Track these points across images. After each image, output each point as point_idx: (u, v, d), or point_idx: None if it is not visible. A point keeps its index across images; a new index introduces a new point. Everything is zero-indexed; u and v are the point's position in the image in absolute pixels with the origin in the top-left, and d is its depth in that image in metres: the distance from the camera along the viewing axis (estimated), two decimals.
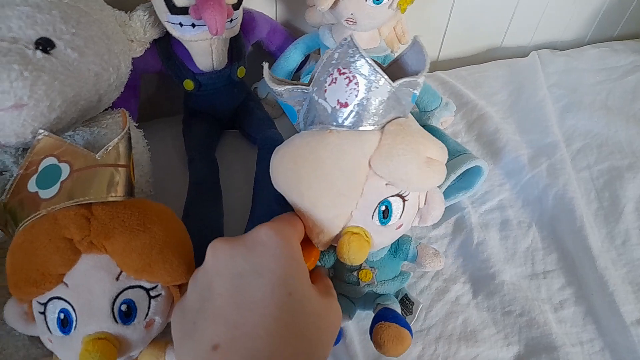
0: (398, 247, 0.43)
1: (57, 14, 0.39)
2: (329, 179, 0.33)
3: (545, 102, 0.72)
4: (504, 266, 0.52)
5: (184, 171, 0.54)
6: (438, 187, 0.38)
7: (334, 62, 0.33)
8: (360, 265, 0.42)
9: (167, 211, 0.37)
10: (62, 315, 0.32)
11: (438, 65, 0.84)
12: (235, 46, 0.56)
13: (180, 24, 0.49)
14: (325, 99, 0.34)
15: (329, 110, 0.33)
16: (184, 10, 0.48)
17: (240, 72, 0.57)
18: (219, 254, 0.31)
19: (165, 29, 0.51)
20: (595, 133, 0.69)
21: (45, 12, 0.38)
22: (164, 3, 0.47)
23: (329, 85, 0.33)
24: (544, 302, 0.50)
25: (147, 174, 0.47)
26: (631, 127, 0.69)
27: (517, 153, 0.64)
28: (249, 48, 0.61)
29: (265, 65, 0.37)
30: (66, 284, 0.32)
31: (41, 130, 0.35)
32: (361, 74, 0.32)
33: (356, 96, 0.33)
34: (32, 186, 0.34)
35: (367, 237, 0.35)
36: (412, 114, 0.38)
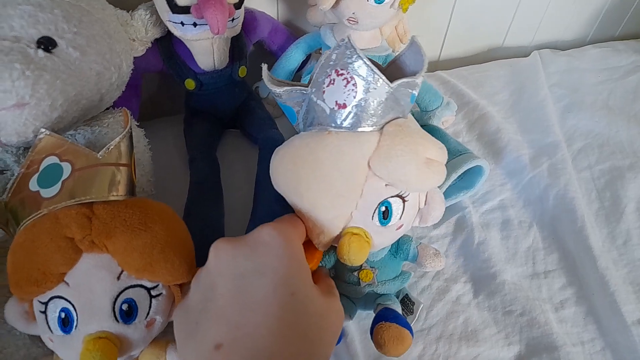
0: (398, 247, 0.43)
1: (59, 13, 0.39)
2: (328, 180, 0.33)
3: (546, 102, 0.72)
4: (505, 266, 0.52)
5: (185, 170, 0.54)
6: (439, 186, 0.38)
7: (331, 63, 0.33)
8: (361, 265, 0.42)
9: (169, 210, 0.37)
10: (63, 315, 0.32)
11: (439, 65, 0.84)
12: (236, 45, 0.56)
13: (182, 23, 0.49)
14: (323, 100, 0.34)
15: (328, 111, 0.33)
16: (185, 10, 0.48)
17: (242, 71, 0.57)
18: (222, 254, 0.31)
19: (167, 28, 0.51)
20: (596, 133, 0.69)
21: (47, 11, 0.38)
22: (165, 2, 0.47)
23: (327, 86, 0.33)
24: (544, 302, 0.50)
25: (148, 173, 0.47)
26: (632, 127, 0.69)
27: (518, 153, 0.63)
28: (251, 47, 0.61)
29: (264, 66, 0.37)
30: (67, 283, 0.32)
31: (43, 129, 0.35)
32: (359, 75, 0.32)
33: (354, 97, 0.33)
34: (33, 185, 0.34)
35: (367, 237, 0.35)
36: (413, 114, 0.38)
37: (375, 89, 0.33)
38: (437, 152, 0.34)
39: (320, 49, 0.62)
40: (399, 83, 0.33)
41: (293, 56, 0.62)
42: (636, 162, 0.64)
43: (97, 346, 0.31)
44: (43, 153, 0.35)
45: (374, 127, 0.33)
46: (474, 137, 0.67)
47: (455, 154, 0.53)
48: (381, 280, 0.42)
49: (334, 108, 0.33)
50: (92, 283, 0.32)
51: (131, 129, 0.38)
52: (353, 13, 0.52)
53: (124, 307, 0.33)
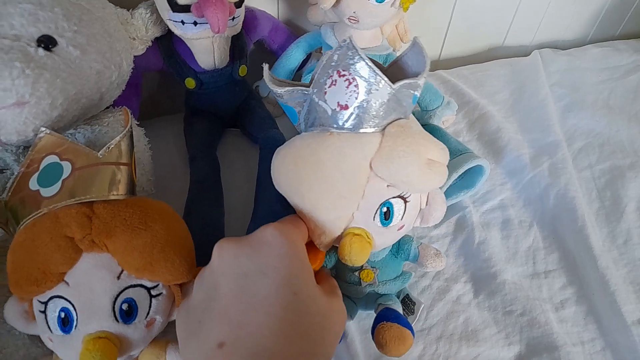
0: (399, 248, 0.43)
1: (60, 11, 0.39)
2: (329, 181, 0.33)
3: (547, 102, 0.71)
4: (505, 266, 0.52)
5: (185, 170, 0.54)
6: (440, 186, 0.38)
7: (333, 63, 0.33)
8: (362, 265, 0.42)
9: (169, 210, 0.37)
10: (62, 314, 0.32)
11: (440, 64, 0.84)
12: (237, 44, 0.56)
13: (182, 22, 0.49)
14: (325, 101, 0.33)
15: (329, 112, 0.33)
16: (186, 8, 0.48)
17: (242, 70, 0.57)
18: (225, 253, 0.31)
19: (167, 27, 0.51)
20: (597, 132, 0.69)
21: (48, 10, 0.38)
22: (165, 1, 0.47)
23: (329, 87, 0.33)
24: (545, 302, 0.50)
25: (149, 172, 0.47)
26: (633, 127, 0.69)
27: (518, 152, 0.63)
28: (251, 46, 0.61)
29: (266, 66, 0.37)
30: (67, 283, 0.32)
31: (43, 128, 0.35)
32: (361, 76, 0.32)
33: (356, 98, 0.32)
34: (33, 184, 0.34)
35: (368, 238, 0.35)
36: (414, 113, 0.38)
37: (377, 90, 0.32)
38: (439, 153, 0.34)
39: (321, 48, 0.62)
40: (401, 84, 0.33)
41: (293, 55, 0.62)
42: (637, 161, 0.64)
43: (97, 346, 0.31)
44: (43, 152, 0.35)
45: (376, 128, 0.33)
46: (475, 137, 0.67)
47: (456, 153, 0.53)
48: (382, 280, 0.42)
49: (335, 109, 0.33)
50: (92, 282, 0.32)
51: (131, 128, 0.38)
52: (354, 12, 0.51)
53: (124, 306, 0.32)
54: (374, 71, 0.32)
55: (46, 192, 0.33)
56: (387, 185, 0.34)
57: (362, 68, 0.32)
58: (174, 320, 0.35)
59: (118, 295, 0.32)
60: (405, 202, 0.35)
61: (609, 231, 0.57)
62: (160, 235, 0.33)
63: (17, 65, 0.35)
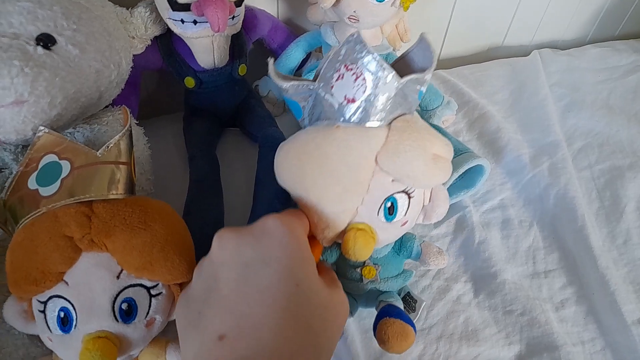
0: (402, 245, 0.43)
1: (59, 9, 0.38)
2: (335, 175, 0.33)
3: (546, 101, 0.71)
4: (505, 265, 0.52)
5: (184, 169, 0.54)
6: (443, 182, 0.38)
7: (340, 58, 0.33)
8: (364, 261, 0.42)
9: (168, 209, 0.37)
10: (62, 314, 0.32)
11: (439, 64, 0.84)
12: (236, 43, 0.56)
13: (182, 21, 0.49)
14: (332, 95, 0.34)
15: (336, 106, 0.33)
16: (185, 7, 0.47)
17: (242, 69, 0.57)
18: (226, 243, 0.30)
19: (167, 25, 0.51)
20: (596, 132, 0.69)
21: (47, 8, 0.38)
22: (165, 0, 0.47)
23: (336, 81, 0.33)
24: (545, 302, 0.50)
25: (148, 171, 0.47)
26: (632, 127, 0.69)
27: (518, 152, 0.63)
28: (250, 46, 0.60)
29: (271, 60, 0.37)
30: (66, 282, 0.32)
31: (41, 127, 0.35)
32: (368, 70, 0.32)
33: (364, 92, 0.33)
34: (32, 183, 0.33)
35: (372, 233, 0.35)
36: None
37: (384, 84, 0.33)
38: (444, 148, 0.34)
39: (321, 47, 0.62)
40: (408, 79, 0.33)
41: (293, 54, 0.61)
42: (636, 161, 0.64)
43: (97, 345, 0.31)
44: (42, 151, 0.34)
45: (382, 122, 0.33)
46: (474, 137, 0.67)
47: (456, 153, 0.52)
48: (384, 277, 0.42)
49: (342, 103, 0.33)
50: (91, 282, 0.32)
51: (131, 127, 0.38)
52: (354, 11, 0.51)
53: (124, 306, 0.32)
54: (382, 65, 0.32)
55: (45, 191, 0.33)
56: (392, 180, 0.34)
57: (370, 62, 0.32)
58: (174, 320, 0.35)
59: (118, 295, 0.32)
60: (409, 197, 0.35)
61: (609, 231, 0.57)
62: (160, 235, 0.33)
63: (16, 63, 0.35)
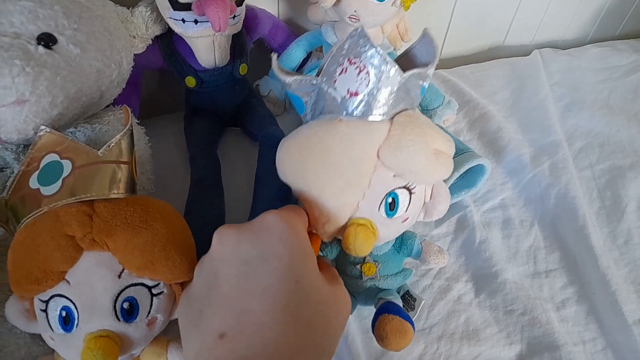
0: (402, 243, 0.43)
1: (59, 9, 0.38)
2: (337, 168, 0.33)
3: (547, 101, 0.71)
4: (506, 265, 0.52)
5: (185, 168, 0.54)
6: (444, 179, 0.38)
7: (344, 52, 0.33)
8: (364, 258, 0.42)
9: (169, 208, 0.37)
10: (63, 313, 0.32)
11: (440, 64, 0.83)
12: (237, 43, 0.56)
13: (183, 20, 0.49)
14: (335, 89, 0.34)
15: (339, 99, 0.33)
16: (186, 7, 0.47)
17: (243, 69, 0.57)
18: (226, 240, 0.30)
19: (168, 25, 0.51)
20: (597, 132, 0.69)
21: (47, 7, 0.38)
22: None
23: (339, 75, 0.33)
24: (546, 301, 0.50)
25: (149, 171, 0.47)
26: (633, 127, 0.69)
27: (519, 152, 0.63)
28: (251, 45, 0.60)
29: (274, 55, 0.37)
30: (68, 282, 0.32)
31: (43, 127, 0.35)
32: (372, 64, 0.33)
33: (367, 85, 0.33)
34: (33, 183, 0.33)
35: (373, 228, 0.35)
36: None
37: (387, 78, 0.33)
38: (446, 144, 0.34)
39: (321, 47, 0.62)
40: (411, 73, 0.33)
41: (294, 54, 0.61)
42: (637, 161, 0.64)
43: (98, 345, 0.31)
44: (43, 150, 0.34)
45: (385, 116, 0.33)
46: (475, 136, 0.67)
47: (457, 152, 0.52)
48: (383, 275, 0.42)
49: (345, 96, 0.33)
50: (93, 281, 0.32)
51: (132, 126, 0.37)
52: (355, 11, 0.51)
53: (125, 305, 0.32)
54: (385, 59, 0.32)
55: (46, 190, 0.33)
56: (393, 175, 0.34)
57: (374, 56, 0.32)
58: (176, 319, 0.35)
59: (119, 294, 0.32)
60: (411, 193, 0.35)
61: (610, 231, 0.57)
62: (161, 234, 0.33)
63: (17, 63, 0.35)
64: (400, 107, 0.34)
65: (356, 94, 0.33)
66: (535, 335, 0.46)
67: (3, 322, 0.36)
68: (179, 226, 0.37)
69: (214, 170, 0.53)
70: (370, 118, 0.33)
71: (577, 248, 0.54)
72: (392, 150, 0.33)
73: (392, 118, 0.34)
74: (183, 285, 0.35)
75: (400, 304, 0.42)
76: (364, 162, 0.33)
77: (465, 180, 0.56)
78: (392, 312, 0.39)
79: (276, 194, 0.48)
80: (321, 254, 0.41)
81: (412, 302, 0.44)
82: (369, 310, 0.44)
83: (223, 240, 0.30)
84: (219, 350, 0.26)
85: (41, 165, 0.34)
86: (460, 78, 0.76)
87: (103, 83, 0.43)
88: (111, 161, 0.35)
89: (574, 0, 0.85)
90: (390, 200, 0.35)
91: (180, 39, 0.53)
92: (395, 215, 0.36)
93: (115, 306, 0.32)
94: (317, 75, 0.35)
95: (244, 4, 0.52)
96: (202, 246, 0.34)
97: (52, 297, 0.32)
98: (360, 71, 0.33)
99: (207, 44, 0.52)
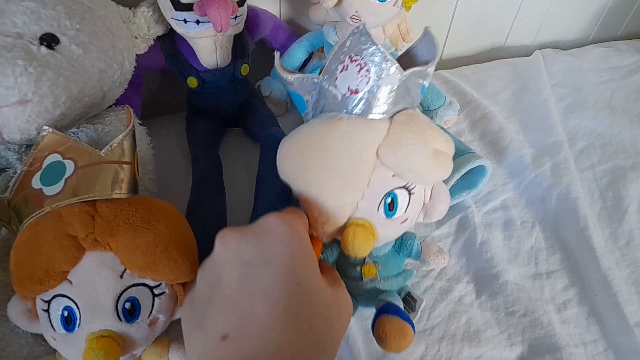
0: (402, 243, 0.43)
1: (62, 9, 0.39)
2: (337, 167, 0.33)
3: (548, 102, 0.71)
4: (508, 266, 0.52)
5: (187, 169, 0.54)
6: (444, 179, 0.38)
7: (345, 49, 0.34)
8: (364, 259, 0.42)
9: (171, 209, 0.37)
10: (65, 313, 0.32)
11: (442, 64, 0.84)
12: (239, 43, 0.56)
13: (185, 21, 0.49)
14: (335, 86, 0.34)
15: (340, 97, 0.33)
16: (188, 7, 0.47)
17: (244, 69, 0.57)
18: (228, 242, 0.30)
19: (170, 25, 0.51)
20: (598, 133, 0.69)
21: (50, 8, 0.38)
22: (168, 0, 0.47)
23: (340, 72, 0.33)
24: (547, 303, 0.49)
25: (151, 171, 0.47)
26: (635, 127, 0.69)
27: (520, 152, 0.63)
28: (253, 46, 0.60)
29: (277, 54, 0.37)
30: (70, 282, 0.32)
31: (45, 127, 0.35)
32: (372, 62, 0.33)
33: (367, 83, 0.33)
34: (36, 183, 0.34)
35: (372, 229, 0.35)
36: None
37: (388, 75, 0.33)
38: (445, 144, 0.34)
39: (323, 47, 0.62)
40: (411, 71, 0.33)
41: (295, 54, 0.62)
42: (639, 162, 0.64)
43: (100, 345, 0.31)
44: (46, 151, 0.34)
45: (384, 115, 0.33)
46: (476, 137, 0.67)
47: (458, 153, 0.52)
48: (384, 276, 0.42)
49: (345, 94, 0.33)
50: (95, 281, 0.32)
51: (134, 126, 0.38)
52: (356, 11, 0.51)
53: (127, 305, 0.32)
54: (386, 57, 0.32)
55: (49, 190, 0.33)
56: (393, 175, 0.34)
57: (374, 53, 0.33)
58: (177, 320, 0.35)
59: (121, 294, 0.32)
60: (410, 193, 0.35)
61: (611, 232, 0.56)
62: (163, 234, 0.33)
63: (20, 63, 0.35)
64: (400, 105, 0.34)
65: (356, 91, 0.33)
66: (536, 336, 0.46)
67: (5, 322, 0.36)
68: (181, 226, 0.37)
69: (216, 170, 0.54)
70: (370, 116, 0.33)
71: (578, 249, 0.53)
72: (391, 149, 0.33)
73: (392, 117, 0.34)
74: (185, 285, 0.35)
75: (401, 305, 0.42)
76: (363, 160, 0.33)
77: (466, 181, 0.56)
78: (392, 312, 0.38)
79: (277, 195, 0.48)
80: (321, 256, 0.41)
81: (413, 304, 0.44)
82: (370, 312, 0.44)
83: (225, 242, 0.30)
84: (222, 351, 0.26)
85: (44, 166, 0.34)
86: (461, 79, 0.76)
87: (105, 83, 0.43)
88: (113, 161, 0.35)
89: (576, 1, 0.85)
90: (389, 200, 0.35)
91: (182, 39, 0.53)
92: (395, 216, 0.35)
93: (117, 306, 0.32)
94: (319, 74, 0.35)
95: (245, 5, 0.52)
96: (204, 246, 0.34)
97: (54, 297, 0.32)
98: (361, 68, 0.33)
99: (208, 44, 0.52)
